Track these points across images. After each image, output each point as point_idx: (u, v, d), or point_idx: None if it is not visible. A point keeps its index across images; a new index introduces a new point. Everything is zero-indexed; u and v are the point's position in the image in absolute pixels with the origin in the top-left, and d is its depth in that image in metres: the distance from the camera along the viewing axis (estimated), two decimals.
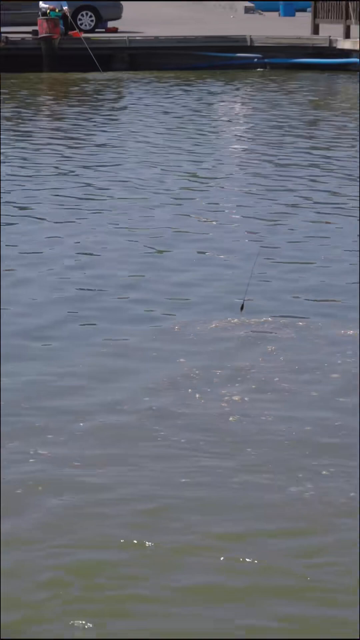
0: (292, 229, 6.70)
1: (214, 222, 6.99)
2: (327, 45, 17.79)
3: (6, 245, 6.32)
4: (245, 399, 3.83)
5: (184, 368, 4.11)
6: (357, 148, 9.86)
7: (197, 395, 3.81)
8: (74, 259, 6.13)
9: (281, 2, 24.14)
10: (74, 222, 7.11)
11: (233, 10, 24.54)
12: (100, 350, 4.46)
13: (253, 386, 3.95)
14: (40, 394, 3.90)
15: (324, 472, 3.14)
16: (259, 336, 4.59)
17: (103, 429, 3.52)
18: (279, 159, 9.39)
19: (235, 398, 3.85)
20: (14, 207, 7.75)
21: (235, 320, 4.80)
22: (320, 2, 18.67)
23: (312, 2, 19.33)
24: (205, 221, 7.04)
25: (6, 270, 5.59)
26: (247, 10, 24.23)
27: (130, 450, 3.30)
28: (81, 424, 3.60)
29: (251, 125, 12.09)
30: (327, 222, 6.94)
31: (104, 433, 3.48)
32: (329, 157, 9.57)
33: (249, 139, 11.15)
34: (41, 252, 6.29)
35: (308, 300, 5.20)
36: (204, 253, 6.12)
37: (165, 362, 4.27)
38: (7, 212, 7.35)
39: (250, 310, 4.77)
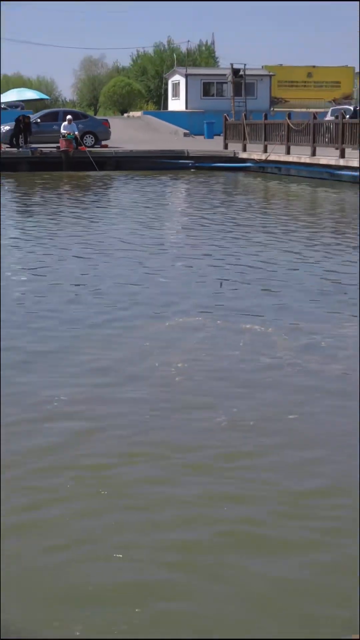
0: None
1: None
2: (232, 155, 23.44)
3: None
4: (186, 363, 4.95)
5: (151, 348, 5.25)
6: (255, 214, 13.81)
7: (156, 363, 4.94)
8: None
9: (205, 129, 30.63)
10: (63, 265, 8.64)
11: (176, 134, 32.21)
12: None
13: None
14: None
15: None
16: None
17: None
18: (207, 219, 12.70)
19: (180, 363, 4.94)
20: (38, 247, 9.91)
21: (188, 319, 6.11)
22: (228, 129, 24.90)
23: (223, 129, 25.32)
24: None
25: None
26: (185, 135, 31.66)
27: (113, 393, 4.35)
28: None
29: (190, 200, 16.92)
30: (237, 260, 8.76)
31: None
32: (237, 218, 12.97)
33: (188, 208, 15.54)
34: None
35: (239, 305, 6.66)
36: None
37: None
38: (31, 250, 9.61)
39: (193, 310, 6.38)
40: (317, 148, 19.89)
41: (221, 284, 7.27)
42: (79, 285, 7.65)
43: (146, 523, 2.98)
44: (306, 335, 5.71)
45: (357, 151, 17.55)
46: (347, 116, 22.15)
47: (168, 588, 2.51)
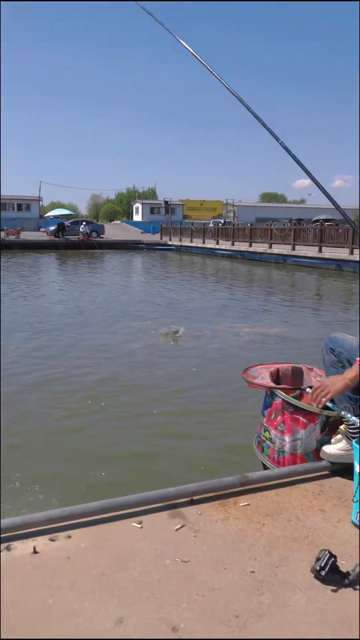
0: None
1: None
2: (165, 242, 38.92)
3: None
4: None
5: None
6: (175, 269, 25.35)
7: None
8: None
9: (151, 230, 48.82)
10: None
11: (137, 233, 51.10)
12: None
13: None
14: None
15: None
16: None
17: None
18: (151, 272, 23.30)
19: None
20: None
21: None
22: (163, 230, 40.52)
23: (160, 230, 41.76)
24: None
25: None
26: (142, 232, 50.68)
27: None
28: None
29: (143, 263, 28.61)
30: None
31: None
32: (166, 272, 25.31)
33: (143, 266, 27.81)
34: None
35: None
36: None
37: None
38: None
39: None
40: (206, 239, 34.64)
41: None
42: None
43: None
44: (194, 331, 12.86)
45: (228, 241, 32.48)
46: (220, 224, 37.79)
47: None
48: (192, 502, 2.23)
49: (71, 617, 1.56)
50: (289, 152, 2.64)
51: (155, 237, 41.98)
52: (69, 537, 1.96)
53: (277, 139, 2.66)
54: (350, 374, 2.32)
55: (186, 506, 2.20)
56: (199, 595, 1.66)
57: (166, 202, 58.37)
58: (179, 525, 2.05)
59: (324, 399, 2.33)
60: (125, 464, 3.94)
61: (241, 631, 1.54)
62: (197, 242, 35.41)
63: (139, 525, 2.04)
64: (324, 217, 35.96)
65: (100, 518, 2.08)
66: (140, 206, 64.80)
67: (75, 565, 1.80)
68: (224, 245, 32.32)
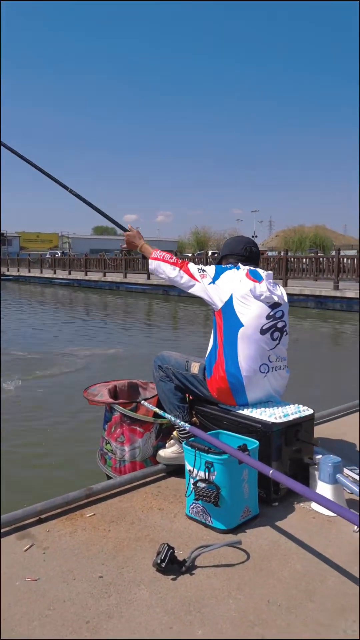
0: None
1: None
2: (4, 273, 36.25)
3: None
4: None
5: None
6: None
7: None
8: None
9: None
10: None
11: None
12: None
13: None
14: None
15: None
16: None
17: None
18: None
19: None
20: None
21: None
22: (1, 259, 37.66)
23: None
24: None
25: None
26: None
27: None
28: None
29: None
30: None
31: None
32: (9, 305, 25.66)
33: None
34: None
35: None
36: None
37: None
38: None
39: None
40: (44, 269, 33.55)
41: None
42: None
43: None
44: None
45: (65, 270, 31.67)
46: (57, 255, 37.19)
47: None
48: (40, 521, 2.13)
49: None
50: (81, 199, 2.80)
51: None
52: None
53: (66, 188, 2.84)
54: (144, 246, 2.69)
55: (35, 525, 2.10)
56: (50, 610, 1.59)
57: (2, 234, 56.94)
58: (28, 546, 1.94)
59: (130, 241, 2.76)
60: None
61: (93, 635, 1.50)
62: (35, 272, 34.42)
63: None
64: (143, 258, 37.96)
65: None
66: None
67: None
68: (61, 274, 31.96)
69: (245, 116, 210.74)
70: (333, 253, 21.25)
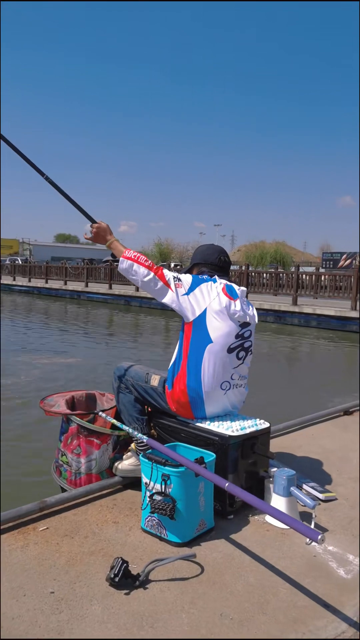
0: None
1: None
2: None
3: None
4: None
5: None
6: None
7: None
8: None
9: None
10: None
11: None
12: None
13: None
14: None
15: None
16: None
17: None
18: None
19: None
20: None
21: None
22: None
23: None
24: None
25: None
26: None
27: None
28: None
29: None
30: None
31: None
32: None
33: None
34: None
35: None
36: None
37: None
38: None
39: None
40: (2, 275, 32.81)
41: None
42: None
43: None
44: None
45: (25, 277, 30.91)
46: (16, 261, 36.44)
47: None
48: None
49: None
50: (56, 187, 2.54)
51: None
52: None
53: (42, 174, 2.54)
54: (115, 242, 2.47)
55: None
56: None
57: None
58: None
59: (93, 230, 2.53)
60: None
61: None
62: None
63: None
64: (111, 258, 37.59)
65: None
66: None
67: None
68: (21, 281, 31.23)
69: (213, 137, 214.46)
70: (293, 269, 21.82)
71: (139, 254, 2.42)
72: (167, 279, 2.37)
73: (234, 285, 2.49)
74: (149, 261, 2.41)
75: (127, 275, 2.42)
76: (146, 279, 2.36)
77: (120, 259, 2.42)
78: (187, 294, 2.37)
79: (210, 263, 2.55)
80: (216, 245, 2.71)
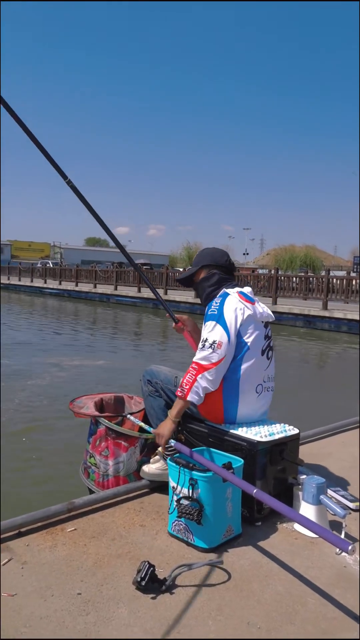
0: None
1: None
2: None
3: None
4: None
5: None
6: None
7: None
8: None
9: None
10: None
11: None
12: None
13: None
14: None
15: None
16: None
17: None
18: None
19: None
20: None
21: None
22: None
23: None
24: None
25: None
26: None
27: None
28: None
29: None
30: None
31: None
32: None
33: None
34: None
35: None
36: None
37: None
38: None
39: None
40: (34, 278, 33.40)
41: None
42: None
43: None
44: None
45: (55, 280, 31.90)
46: (49, 264, 37.09)
47: None
48: (20, 535, 2.09)
49: None
50: (79, 195, 2.56)
51: None
52: None
53: (65, 177, 2.54)
54: (172, 411, 2.43)
55: (14, 539, 2.06)
56: (26, 627, 1.55)
57: None
58: (6, 560, 1.90)
59: (162, 445, 2.42)
60: None
61: None
62: (26, 281, 34.23)
63: None
64: (141, 261, 37.33)
65: None
66: None
67: None
68: (52, 284, 31.79)
69: (242, 139, 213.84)
70: (323, 273, 21.50)
71: (182, 385, 2.35)
72: (211, 360, 2.30)
73: (244, 289, 2.52)
74: (185, 377, 2.33)
75: (211, 388, 2.34)
76: (206, 382, 2.31)
77: (192, 400, 2.33)
78: (228, 339, 2.32)
79: (221, 265, 2.60)
80: (218, 248, 2.76)
